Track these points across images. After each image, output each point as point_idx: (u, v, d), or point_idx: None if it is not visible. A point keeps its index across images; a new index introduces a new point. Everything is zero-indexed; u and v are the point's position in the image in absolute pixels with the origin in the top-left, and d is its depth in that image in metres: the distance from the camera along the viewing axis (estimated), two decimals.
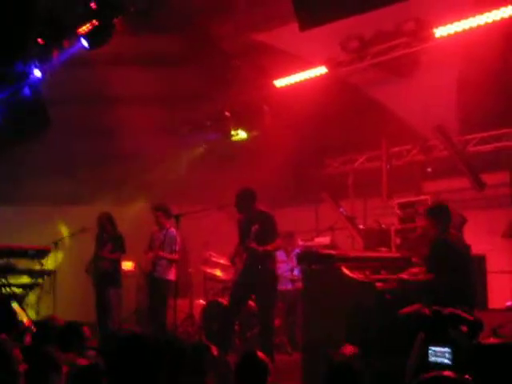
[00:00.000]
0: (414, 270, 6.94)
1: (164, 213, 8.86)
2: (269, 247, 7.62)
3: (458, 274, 6.02)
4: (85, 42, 9.07)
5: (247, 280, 7.71)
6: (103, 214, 9.23)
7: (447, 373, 3.04)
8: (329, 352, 5.60)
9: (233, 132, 11.73)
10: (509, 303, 8.42)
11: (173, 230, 8.79)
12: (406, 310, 6.13)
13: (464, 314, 4.55)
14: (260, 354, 4.24)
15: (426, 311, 4.56)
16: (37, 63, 9.52)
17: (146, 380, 3.22)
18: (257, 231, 7.53)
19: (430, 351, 4.21)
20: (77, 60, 9.65)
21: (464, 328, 4.55)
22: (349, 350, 5.21)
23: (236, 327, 8.77)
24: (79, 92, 10.54)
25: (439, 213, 6.35)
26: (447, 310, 4.51)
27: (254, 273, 7.64)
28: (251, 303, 8.34)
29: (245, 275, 7.75)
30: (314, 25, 6.64)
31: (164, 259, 8.81)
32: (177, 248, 8.85)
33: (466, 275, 5.96)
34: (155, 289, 8.88)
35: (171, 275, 8.82)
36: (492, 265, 9.35)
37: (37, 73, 9.47)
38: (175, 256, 8.84)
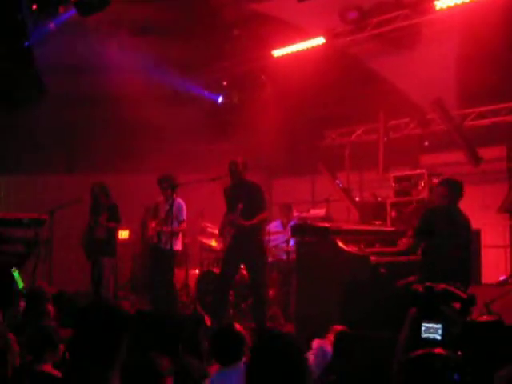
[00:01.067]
0: (405, 240, 7.00)
1: (170, 184, 8.79)
2: (254, 220, 7.68)
3: (453, 248, 6.08)
4: (79, 9, 8.93)
5: (236, 253, 7.80)
6: (96, 185, 9.18)
7: (438, 350, 3.06)
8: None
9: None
10: (502, 277, 8.48)
11: (179, 200, 8.77)
12: (402, 282, 6.18)
13: (457, 291, 4.59)
14: (237, 325, 4.32)
15: (419, 288, 4.59)
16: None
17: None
18: (242, 208, 7.59)
19: (422, 327, 4.24)
20: (72, 27, 9.54)
21: (457, 305, 4.59)
22: (338, 328, 5.25)
23: (231, 298, 8.85)
24: (74, 60, 10.41)
25: (455, 185, 6.40)
26: (440, 287, 4.55)
27: (243, 245, 7.71)
28: (246, 274, 8.40)
29: (233, 248, 7.83)
30: None
31: (168, 231, 8.75)
32: (184, 218, 8.86)
33: (463, 252, 6.01)
34: (160, 260, 8.82)
35: (177, 245, 8.84)
36: (487, 239, 9.39)
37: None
38: (181, 226, 8.85)
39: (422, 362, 3.01)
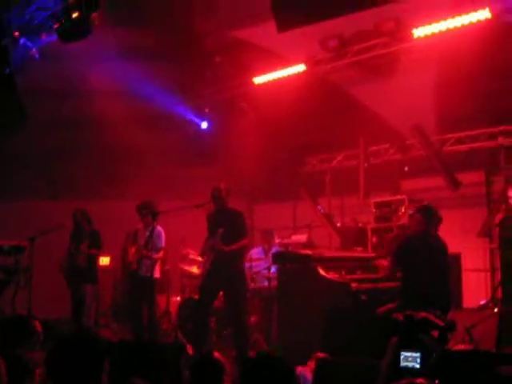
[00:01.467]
0: (381, 262, 7.07)
1: (149, 211, 8.77)
2: (235, 246, 7.68)
3: (431, 275, 6.12)
4: (60, 36, 8.98)
5: (215, 279, 7.76)
6: (79, 211, 9.15)
7: (420, 380, 3.08)
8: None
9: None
10: (482, 302, 8.53)
11: (159, 227, 8.74)
12: (382, 309, 6.21)
13: (435, 320, 4.63)
14: (217, 354, 4.28)
15: (399, 316, 4.62)
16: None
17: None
18: (223, 233, 7.60)
19: (401, 356, 4.27)
20: (54, 53, 9.57)
21: (435, 333, 4.63)
22: (320, 356, 5.27)
23: (212, 325, 8.81)
24: (56, 85, 10.44)
25: (429, 213, 6.47)
26: (419, 315, 4.58)
27: (222, 272, 7.69)
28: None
29: (212, 274, 7.80)
30: (292, 27, 6.67)
31: (148, 258, 8.72)
32: (162, 245, 8.84)
33: (440, 278, 6.06)
34: (140, 287, 8.79)
35: (156, 273, 8.77)
36: (467, 263, 9.47)
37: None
38: (159, 254, 8.81)
39: None
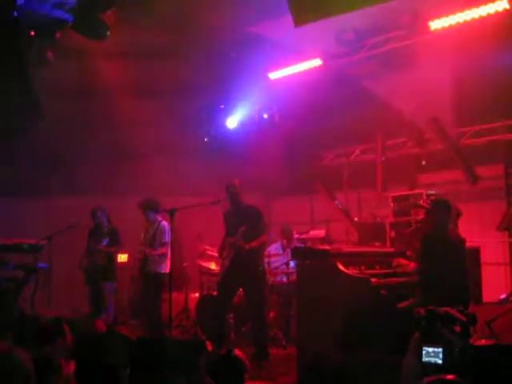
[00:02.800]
0: (402, 260, 7.00)
1: (150, 209, 8.76)
2: (255, 243, 7.66)
3: (451, 270, 6.07)
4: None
5: (234, 276, 7.75)
6: (98, 208, 9.17)
7: (450, 376, 3.04)
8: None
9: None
10: (502, 296, 8.46)
11: (164, 222, 8.70)
12: (403, 304, 6.17)
13: (457, 314, 4.60)
14: (237, 351, 4.23)
15: (421, 311, 4.59)
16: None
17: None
18: (244, 231, 7.59)
19: (423, 351, 4.24)
20: (70, 52, 9.61)
21: (457, 328, 4.59)
22: None
23: (231, 321, 8.80)
24: (73, 84, 10.48)
25: (437, 209, 6.36)
26: (442, 310, 4.55)
27: (242, 269, 7.68)
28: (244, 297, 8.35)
29: (232, 271, 7.79)
30: (309, 20, 6.62)
31: (153, 256, 8.72)
32: (166, 240, 8.77)
33: (459, 272, 6.00)
34: (148, 283, 8.82)
35: (163, 268, 8.68)
36: (486, 257, 9.40)
37: None
38: (162, 250, 8.72)
39: None
